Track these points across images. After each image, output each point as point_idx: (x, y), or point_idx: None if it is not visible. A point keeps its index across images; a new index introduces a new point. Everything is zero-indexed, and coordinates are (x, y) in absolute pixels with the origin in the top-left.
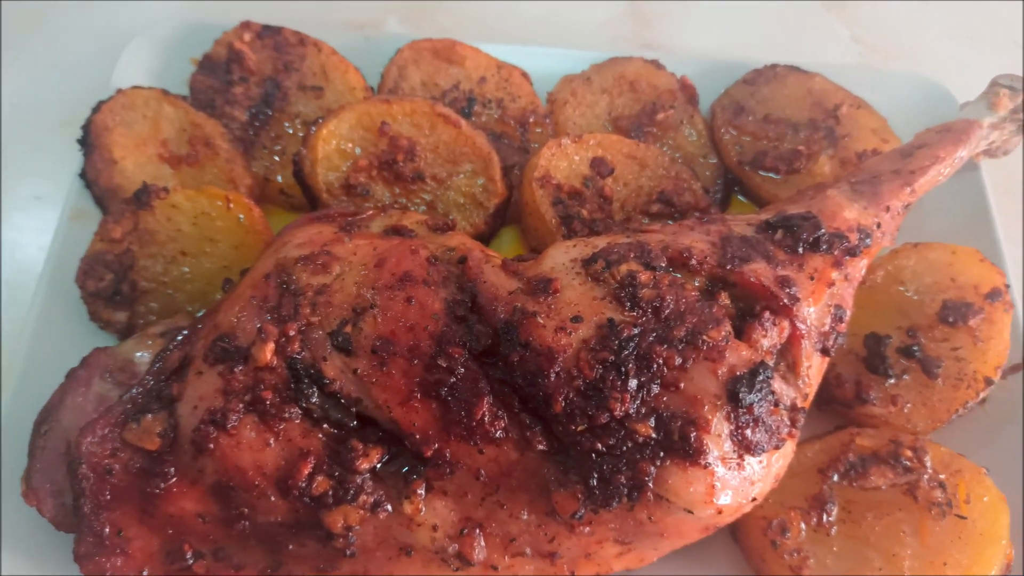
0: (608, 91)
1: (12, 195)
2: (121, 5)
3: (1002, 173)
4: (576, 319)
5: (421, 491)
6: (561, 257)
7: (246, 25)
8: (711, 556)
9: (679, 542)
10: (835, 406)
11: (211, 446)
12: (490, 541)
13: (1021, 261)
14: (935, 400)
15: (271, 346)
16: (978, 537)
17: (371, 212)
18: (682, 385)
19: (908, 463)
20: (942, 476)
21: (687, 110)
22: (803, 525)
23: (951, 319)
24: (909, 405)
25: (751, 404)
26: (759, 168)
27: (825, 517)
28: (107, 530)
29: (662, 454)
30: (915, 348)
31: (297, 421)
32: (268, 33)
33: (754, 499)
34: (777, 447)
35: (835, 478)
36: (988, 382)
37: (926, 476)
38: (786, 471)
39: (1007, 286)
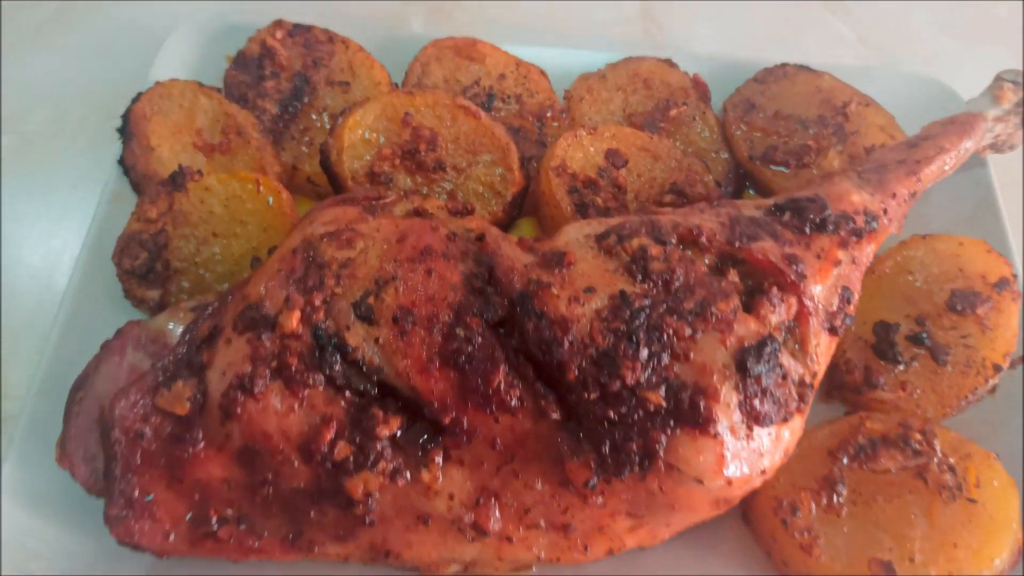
0: (623, 88)
1: (52, 182)
2: (156, 11)
3: (1009, 169)
4: (589, 290)
5: (439, 459)
6: (575, 233)
7: (278, 23)
8: (722, 538)
9: (690, 516)
10: (845, 392)
11: (238, 411)
12: (505, 512)
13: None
14: (944, 386)
15: (297, 314)
16: (988, 520)
17: (393, 198)
18: (692, 355)
19: (918, 446)
20: (952, 460)
21: (699, 107)
22: (813, 505)
23: (959, 307)
24: (918, 391)
25: (759, 375)
26: (770, 163)
27: (835, 498)
28: (136, 493)
29: (672, 423)
30: (924, 336)
31: (321, 388)
32: (299, 31)
33: (763, 471)
34: (786, 420)
35: (845, 460)
36: (997, 369)
37: (936, 459)
38: (796, 453)
39: (1015, 276)
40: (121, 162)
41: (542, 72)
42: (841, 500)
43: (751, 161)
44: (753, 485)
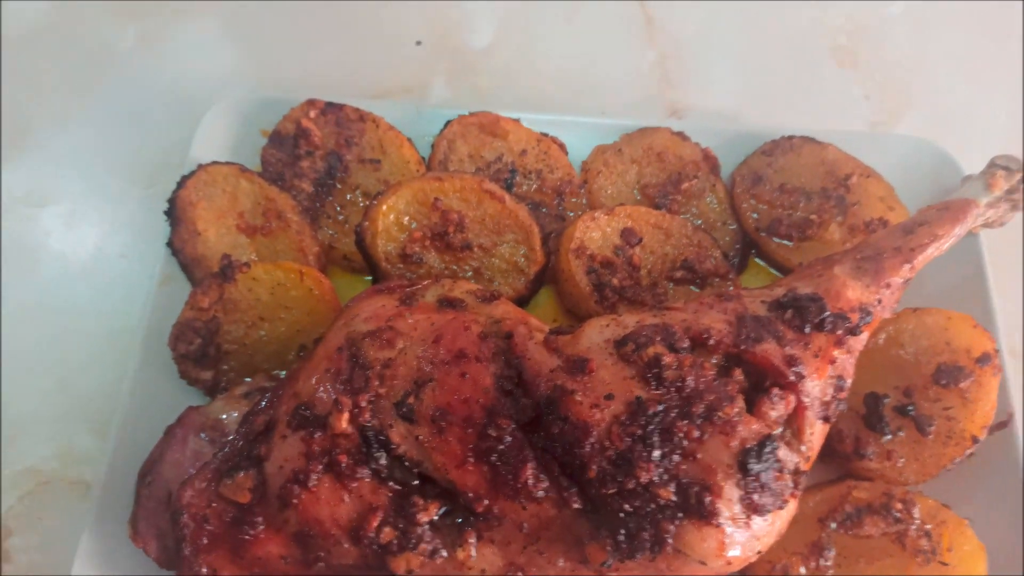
0: (637, 161)
1: (101, 255)
2: (190, 76)
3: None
4: (609, 396)
5: (472, 540)
6: (596, 337)
7: (311, 103)
8: None
9: None
10: (836, 459)
11: (295, 501)
12: None
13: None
14: (926, 456)
15: (346, 416)
16: None
17: (426, 283)
18: (699, 456)
19: (898, 514)
20: (928, 526)
21: (710, 179)
22: (803, 569)
23: (944, 381)
24: (902, 460)
25: (759, 473)
26: (774, 235)
27: (822, 562)
28: (205, 570)
29: (680, 515)
30: (910, 408)
31: (367, 480)
32: (331, 110)
33: (759, 551)
34: (781, 507)
35: (833, 526)
36: (975, 440)
37: (914, 526)
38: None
39: (996, 351)
40: (169, 244)
41: (561, 145)
42: (828, 563)
43: (757, 233)
44: (749, 562)
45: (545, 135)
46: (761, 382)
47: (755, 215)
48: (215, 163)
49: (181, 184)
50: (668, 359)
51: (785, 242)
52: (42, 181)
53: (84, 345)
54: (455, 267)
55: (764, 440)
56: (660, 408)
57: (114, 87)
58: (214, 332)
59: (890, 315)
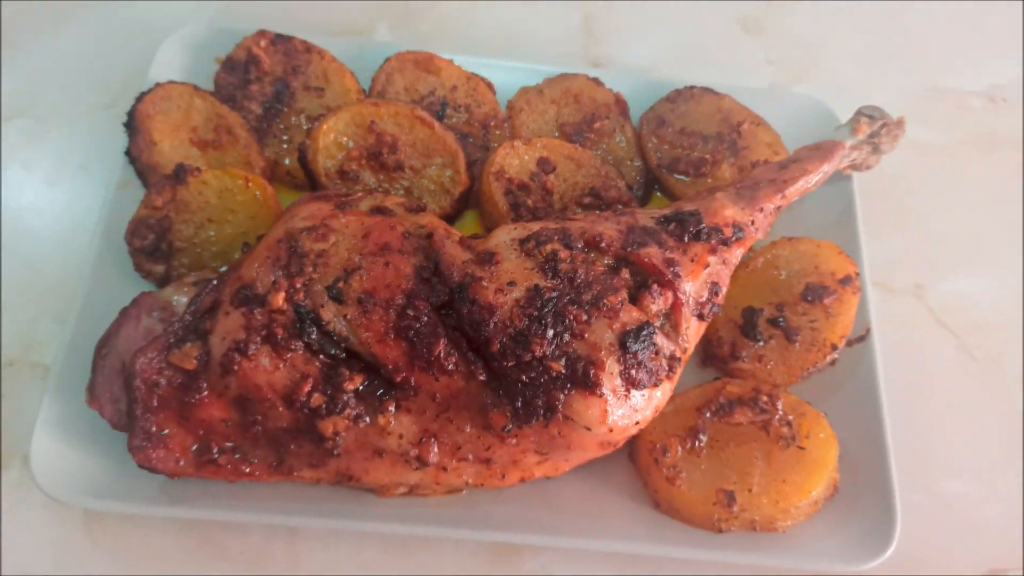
0: (556, 102)
1: (64, 165)
2: (150, 5)
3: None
4: (511, 283)
5: (391, 408)
6: (504, 236)
7: (261, 33)
8: (613, 472)
9: (583, 454)
10: (715, 362)
11: (235, 368)
12: (442, 448)
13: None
14: (792, 360)
15: (282, 294)
16: (812, 464)
17: (360, 194)
18: (586, 335)
19: (764, 406)
20: (790, 417)
21: (619, 121)
22: (680, 448)
23: (810, 298)
24: (772, 363)
25: (636, 351)
26: (673, 171)
27: (697, 443)
28: (153, 429)
29: (569, 385)
30: (780, 320)
31: (300, 352)
32: (280, 41)
33: (637, 423)
34: (656, 385)
35: (708, 415)
36: (834, 347)
37: (777, 416)
38: (671, 408)
39: (857, 274)
40: (127, 153)
41: (489, 84)
42: (701, 445)
43: (659, 169)
44: (630, 432)
45: (475, 75)
46: (645, 282)
47: (658, 154)
48: (171, 82)
49: (140, 99)
50: (564, 254)
51: (683, 178)
52: (8, 98)
53: (46, 245)
54: (387, 185)
55: (643, 325)
56: (555, 295)
57: (80, 18)
58: (166, 229)
59: (764, 236)
